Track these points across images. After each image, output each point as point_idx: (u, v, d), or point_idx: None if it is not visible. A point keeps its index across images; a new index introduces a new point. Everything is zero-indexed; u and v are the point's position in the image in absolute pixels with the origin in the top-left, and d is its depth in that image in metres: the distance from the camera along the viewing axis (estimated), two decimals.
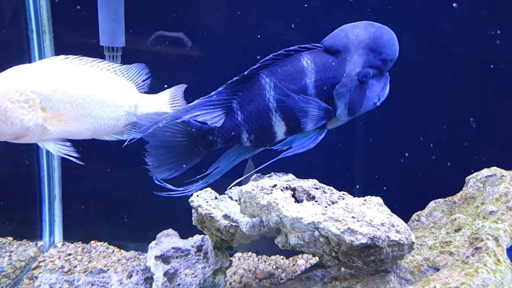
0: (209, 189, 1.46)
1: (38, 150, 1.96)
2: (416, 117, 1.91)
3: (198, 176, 1.40)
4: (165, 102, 1.57)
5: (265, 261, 2.09)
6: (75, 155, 1.39)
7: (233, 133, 1.36)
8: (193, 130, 1.36)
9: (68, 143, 1.41)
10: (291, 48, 1.33)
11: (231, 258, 1.59)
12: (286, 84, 1.31)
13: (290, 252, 2.04)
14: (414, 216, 1.55)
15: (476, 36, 1.81)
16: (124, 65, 1.52)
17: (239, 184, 1.40)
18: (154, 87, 1.60)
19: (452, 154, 1.92)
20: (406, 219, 1.51)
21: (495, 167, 1.45)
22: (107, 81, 1.47)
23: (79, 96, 1.39)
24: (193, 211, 1.40)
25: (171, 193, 1.37)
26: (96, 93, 1.42)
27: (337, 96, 1.31)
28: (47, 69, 1.37)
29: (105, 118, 1.46)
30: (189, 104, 1.34)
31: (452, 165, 1.92)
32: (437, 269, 1.09)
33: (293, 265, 2.06)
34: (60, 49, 1.85)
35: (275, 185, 1.22)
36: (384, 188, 1.96)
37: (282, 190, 1.21)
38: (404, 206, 1.53)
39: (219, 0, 1.87)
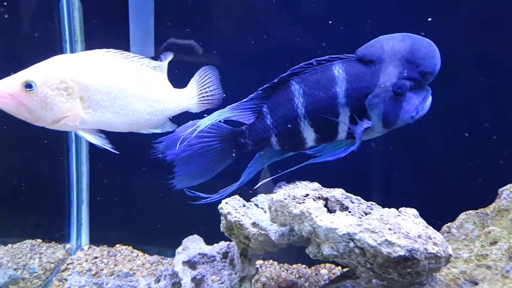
0: (237, 196, 1.47)
1: (68, 155, 2.00)
2: (446, 124, 1.88)
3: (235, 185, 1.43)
4: (193, 96, 1.59)
5: (287, 270, 2.08)
6: (111, 145, 1.41)
7: (262, 136, 1.40)
8: (226, 133, 1.41)
9: (103, 135, 1.44)
10: (322, 58, 1.33)
11: (257, 266, 1.58)
12: (316, 92, 1.32)
13: (312, 261, 2.03)
14: (445, 227, 1.53)
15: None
16: (162, 62, 1.54)
17: (255, 190, 1.42)
18: None
19: (482, 164, 1.88)
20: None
21: None
22: (145, 76, 1.49)
23: (117, 88, 1.42)
24: (222, 218, 1.40)
25: (204, 200, 1.41)
26: (134, 87, 1.45)
27: (369, 106, 1.30)
28: (88, 60, 1.41)
29: (142, 112, 1.48)
30: (221, 110, 1.38)
31: (481, 175, 1.88)
32: (475, 283, 1.07)
33: (316, 274, 2.04)
34: None
35: (307, 195, 1.22)
36: (410, 198, 1.93)
37: (314, 200, 1.21)
38: (430, 217, 1.52)
39: (230, 6, 1.88)
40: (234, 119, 1.40)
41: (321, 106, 1.33)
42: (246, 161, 1.48)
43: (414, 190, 1.94)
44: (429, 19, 1.68)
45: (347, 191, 1.29)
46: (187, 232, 1.72)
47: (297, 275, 2.03)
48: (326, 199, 1.22)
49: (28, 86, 1.29)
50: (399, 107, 1.28)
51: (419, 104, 1.28)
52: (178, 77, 1.59)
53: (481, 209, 1.49)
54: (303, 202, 1.19)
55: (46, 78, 1.32)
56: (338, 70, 1.31)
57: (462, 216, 1.52)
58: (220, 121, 1.40)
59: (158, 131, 1.56)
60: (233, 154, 1.44)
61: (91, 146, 2.01)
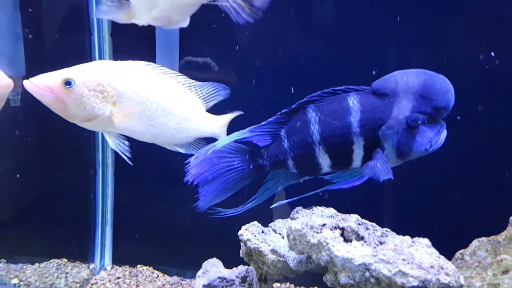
0: (255, 222, 1.53)
1: (95, 179, 2.11)
2: (454, 148, 1.92)
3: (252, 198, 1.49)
4: (224, 125, 1.68)
5: None
6: (128, 155, 1.50)
7: (279, 158, 1.47)
8: (245, 154, 1.49)
9: (126, 142, 1.53)
10: (338, 88, 1.42)
11: None
12: (331, 120, 1.40)
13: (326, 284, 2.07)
14: (458, 254, 1.56)
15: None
16: (200, 82, 1.63)
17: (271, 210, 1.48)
18: None
19: (489, 192, 1.91)
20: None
21: None
22: (178, 93, 1.58)
23: (148, 100, 1.51)
24: (241, 244, 1.47)
25: (221, 214, 1.48)
26: (165, 101, 1.54)
27: (383, 137, 1.37)
28: (126, 69, 1.51)
29: (168, 126, 1.56)
30: (241, 131, 1.47)
31: (489, 202, 1.91)
32: None
33: None
34: None
35: (324, 224, 1.28)
36: (420, 223, 1.97)
37: (331, 230, 1.27)
38: (440, 243, 1.56)
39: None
40: (253, 141, 1.47)
41: (335, 134, 1.40)
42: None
43: (427, 215, 1.98)
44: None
45: (361, 215, 1.35)
46: (205, 253, 1.79)
47: None
48: (342, 229, 1.28)
49: (68, 83, 1.39)
50: (412, 140, 1.35)
51: (433, 137, 1.34)
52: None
53: (493, 236, 1.53)
54: (321, 232, 1.26)
55: (85, 78, 1.42)
56: (353, 101, 1.39)
57: (475, 243, 1.55)
58: (238, 142, 1.48)
59: (182, 150, 1.64)
60: (252, 174, 1.50)
61: (116, 166, 2.12)
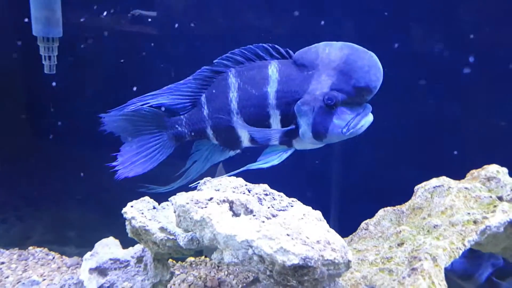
0: (146, 197, 1.38)
1: None
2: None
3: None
4: None
5: (218, 266, 2.03)
6: None
7: (199, 126, 1.37)
8: (162, 119, 1.39)
9: None
10: (260, 45, 1.28)
11: (173, 271, 1.51)
12: (249, 88, 1.29)
13: None
14: (363, 224, 1.51)
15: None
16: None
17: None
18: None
19: (407, 161, 1.89)
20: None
21: (444, 177, 1.42)
22: None
23: None
24: (126, 223, 1.31)
25: (153, 190, 1.40)
26: None
27: (298, 113, 1.24)
28: None
29: None
30: (157, 91, 1.34)
31: (409, 172, 1.89)
32: None
33: (245, 271, 2.00)
34: None
35: (211, 198, 1.14)
36: (341, 194, 1.93)
37: (218, 204, 1.14)
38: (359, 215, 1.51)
39: None
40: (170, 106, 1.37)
41: (252, 104, 1.28)
42: None
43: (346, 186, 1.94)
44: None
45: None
46: (115, 229, 1.62)
47: (226, 272, 1.97)
48: (231, 202, 1.15)
49: None
50: (329, 120, 1.21)
51: (351, 120, 1.20)
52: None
53: (398, 206, 1.49)
54: (205, 207, 1.12)
55: None
56: (273, 70, 1.26)
57: (380, 212, 1.50)
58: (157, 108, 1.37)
59: None
60: (173, 143, 1.41)
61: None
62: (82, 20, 1.82)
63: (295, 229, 1.03)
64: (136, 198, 1.37)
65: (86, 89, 1.91)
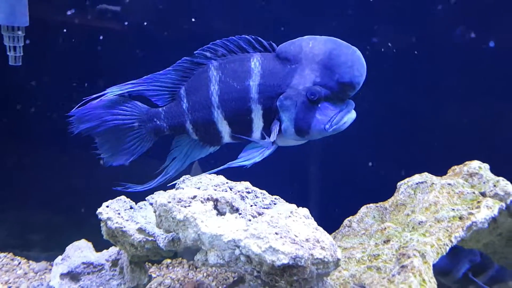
0: (123, 197, 1.31)
1: None
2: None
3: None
4: None
5: (196, 268, 1.96)
6: None
7: (178, 120, 1.33)
8: (141, 112, 1.34)
9: None
10: (243, 36, 1.25)
11: (150, 273, 1.44)
12: (231, 81, 1.25)
13: None
14: (346, 221, 1.49)
15: None
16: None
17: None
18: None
19: (390, 158, 1.89)
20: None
21: (426, 174, 1.42)
22: None
23: None
24: (101, 224, 1.23)
25: (130, 189, 1.34)
26: None
27: (281, 108, 1.21)
28: None
29: None
30: (135, 80, 1.29)
31: (391, 170, 1.89)
32: None
33: (225, 271, 1.95)
34: None
35: (194, 196, 1.09)
36: (322, 192, 1.91)
37: (202, 202, 1.08)
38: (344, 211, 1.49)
39: None
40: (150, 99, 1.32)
41: (234, 98, 1.25)
42: None
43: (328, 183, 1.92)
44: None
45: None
46: (84, 231, 1.52)
47: (205, 273, 1.91)
48: (216, 201, 1.10)
49: None
50: (312, 116, 1.19)
51: (334, 116, 1.18)
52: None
53: (381, 202, 1.48)
54: (189, 206, 1.06)
55: None
56: (255, 63, 1.23)
57: (363, 209, 1.49)
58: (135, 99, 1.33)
59: None
60: (151, 136, 1.35)
61: None
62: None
63: (283, 227, 0.99)
64: (107, 198, 1.30)
65: (53, 86, 1.80)
